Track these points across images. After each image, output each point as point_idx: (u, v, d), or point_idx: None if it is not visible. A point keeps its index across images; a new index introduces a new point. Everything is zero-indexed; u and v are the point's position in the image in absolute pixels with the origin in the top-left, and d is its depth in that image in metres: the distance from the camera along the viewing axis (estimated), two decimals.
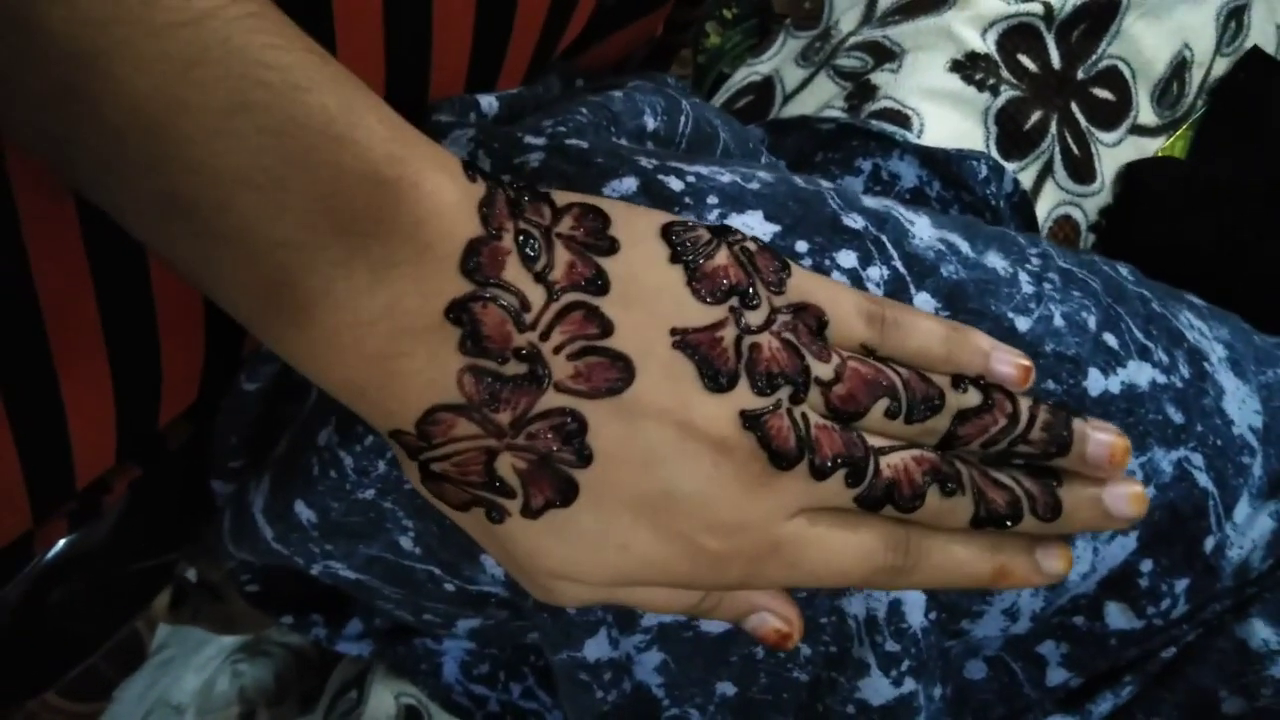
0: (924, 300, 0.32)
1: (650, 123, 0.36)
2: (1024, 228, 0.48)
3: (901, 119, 0.47)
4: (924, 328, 0.27)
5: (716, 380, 0.24)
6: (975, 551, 0.27)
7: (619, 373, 0.23)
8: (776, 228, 0.31)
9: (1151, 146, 0.53)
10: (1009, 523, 0.26)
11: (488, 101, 0.36)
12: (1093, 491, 0.27)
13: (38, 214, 0.27)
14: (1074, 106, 0.50)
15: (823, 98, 0.51)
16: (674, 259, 0.25)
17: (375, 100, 0.22)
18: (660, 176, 0.31)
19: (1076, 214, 0.51)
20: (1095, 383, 0.33)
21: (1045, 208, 0.49)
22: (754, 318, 0.25)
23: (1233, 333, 0.38)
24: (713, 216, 0.30)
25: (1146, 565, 0.34)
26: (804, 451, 0.24)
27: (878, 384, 0.26)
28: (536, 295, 0.23)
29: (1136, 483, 0.27)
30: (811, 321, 0.26)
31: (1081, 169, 0.50)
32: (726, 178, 0.31)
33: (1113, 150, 0.52)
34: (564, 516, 0.24)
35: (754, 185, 0.32)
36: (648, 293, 0.24)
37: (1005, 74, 0.49)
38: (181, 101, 0.20)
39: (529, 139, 0.32)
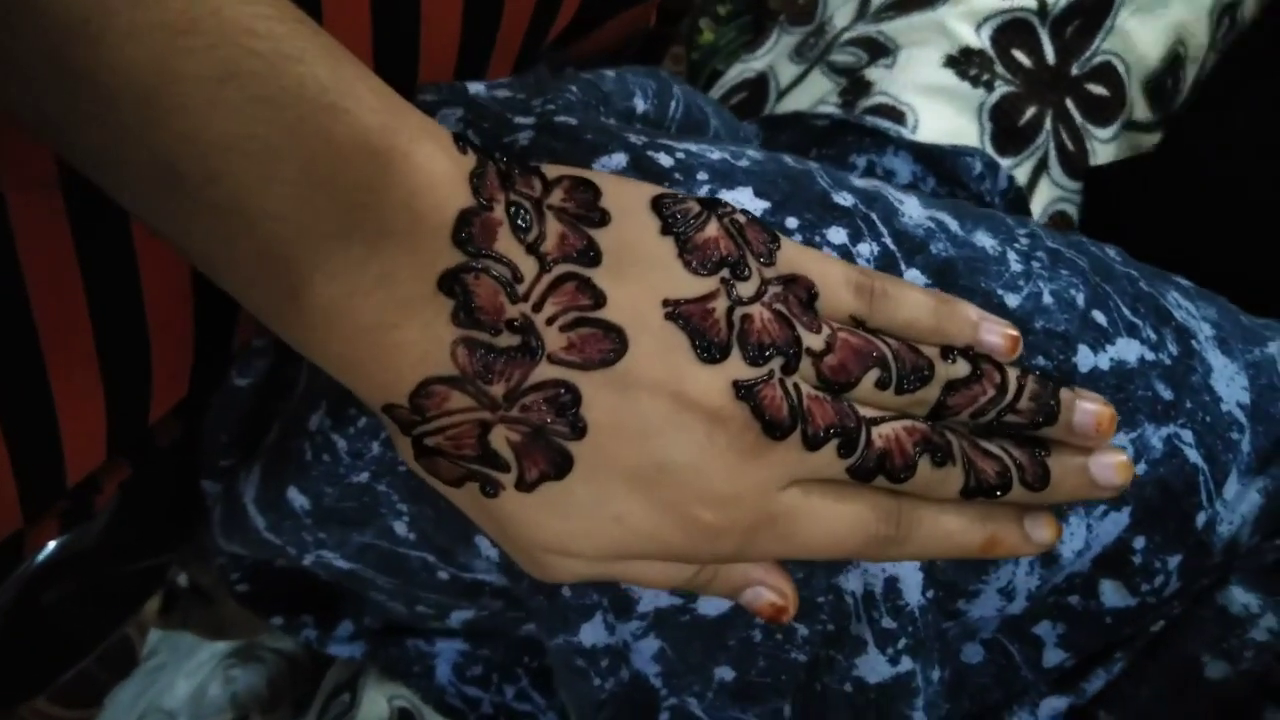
0: (914, 277, 0.32)
1: (640, 104, 0.36)
2: None
3: (896, 115, 0.47)
4: (912, 299, 0.28)
5: (709, 351, 0.24)
6: (966, 521, 0.27)
7: (612, 344, 0.23)
8: (766, 204, 0.31)
9: (1146, 142, 0.53)
10: (999, 492, 0.27)
11: (476, 89, 0.36)
12: (1079, 460, 0.28)
13: (25, 207, 0.27)
14: (1068, 102, 0.50)
15: (817, 94, 0.51)
16: (664, 231, 0.25)
17: (365, 71, 0.22)
18: (650, 152, 0.31)
19: (1071, 210, 0.51)
20: (1085, 359, 0.33)
21: (1040, 203, 0.49)
22: (745, 289, 0.25)
23: (1220, 312, 0.38)
24: (703, 192, 0.31)
25: (1139, 542, 0.34)
26: (797, 421, 0.24)
27: (868, 354, 0.26)
28: (529, 266, 0.23)
29: (1122, 451, 0.28)
30: (802, 293, 0.26)
31: (1076, 165, 0.50)
32: (716, 155, 0.32)
33: (1107, 146, 0.52)
34: (558, 489, 0.24)
35: (743, 163, 0.32)
36: (639, 264, 0.24)
37: (1000, 69, 0.49)
38: (173, 70, 0.20)
39: (518, 118, 0.32)
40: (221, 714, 0.56)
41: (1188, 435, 0.34)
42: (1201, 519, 0.34)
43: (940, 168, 0.47)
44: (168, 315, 0.34)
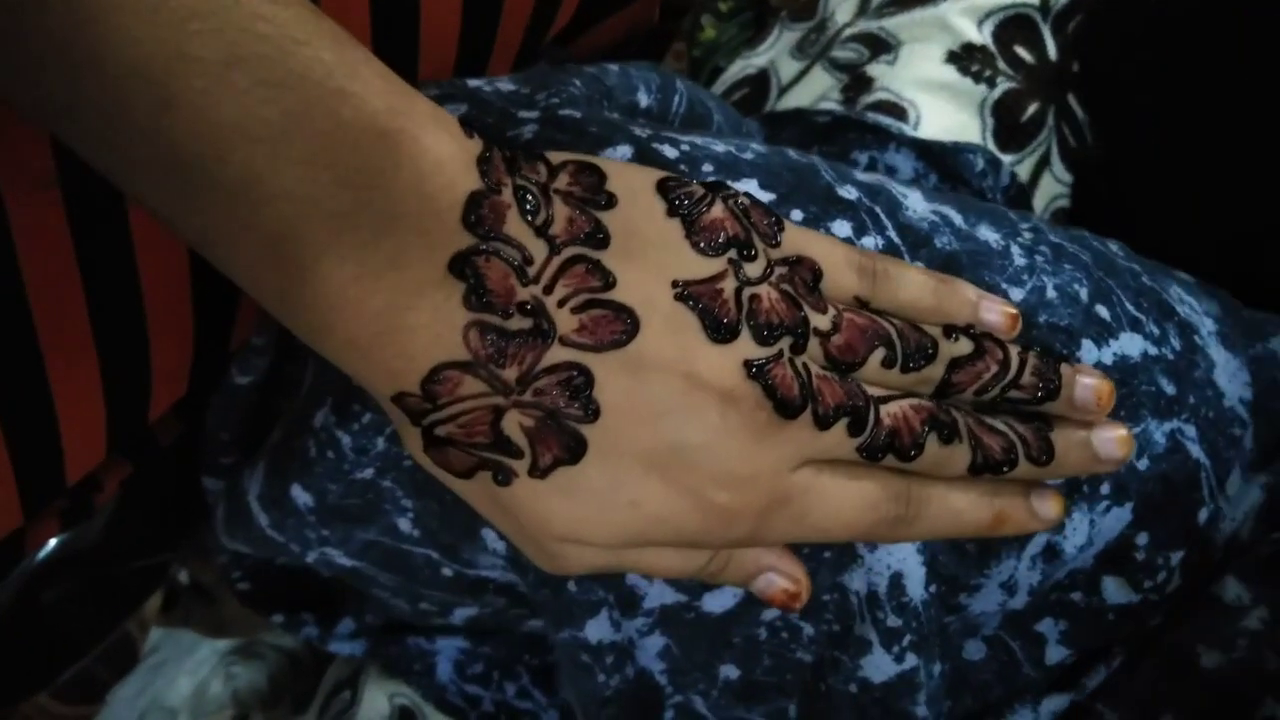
0: None
1: (644, 99, 0.36)
2: None
3: (898, 111, 0.47)
4: (914, 279, 0.28)
5: (719, 331, 0.24)
6: (974, 499, 0.27)
7: (624, 325, 0.23)
8: (772, 196, 0.31)
9: None
10: (1005, 468, 0.27)
11: (478, 84, 0.36)
12: (1081, 435, 0.28)
13: (24, 205, 0.27)
14: (1071, 98, 0.50)
15: (818, 90, 0.51)
16: (671, 213, 0.25)
17: (369, 55, 0.22)
18: (655, 145, 0.31)
19: None
20: (1089, 353, 0.33)
21: (1042, 200, 0.49)
22: (752, 270, 0.25)
23: (1221, 307, 0.38)
24: None
25: (1142, 538, 0.34)
26: (808, 401, 0.24)
27: (874, 333, 0.26)
28: (538, 249, 0.23)
29: (1123, 425, 0.28)
30: (807, 275, 0.26)
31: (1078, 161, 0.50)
32: (721, 148, 0.32)
33: None
34: (572, 474, 0.24)
35: (748, 155, 0.32)
36: (648, 246, 0.24)
37: (1002, 65, 0.49)
38: (181, 53, 0.20)
39: (522, 112, 0.32)
40: (222, 711, 0.56)
41: (1190, 430, 0.34)
42: (1204, 515, 0.34)
43: (942, 164, 0.46)
44: (167, 314, 0.34)
